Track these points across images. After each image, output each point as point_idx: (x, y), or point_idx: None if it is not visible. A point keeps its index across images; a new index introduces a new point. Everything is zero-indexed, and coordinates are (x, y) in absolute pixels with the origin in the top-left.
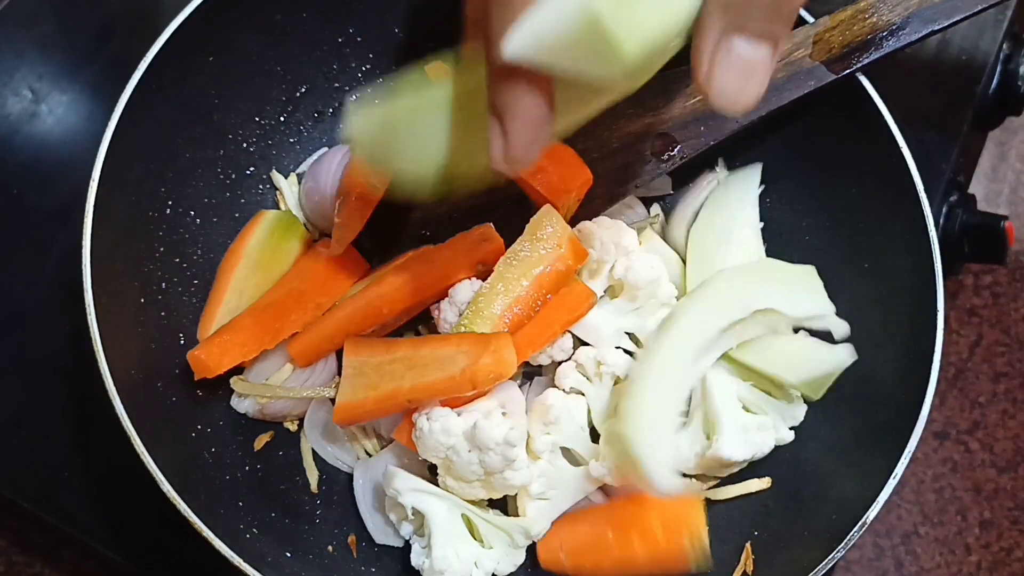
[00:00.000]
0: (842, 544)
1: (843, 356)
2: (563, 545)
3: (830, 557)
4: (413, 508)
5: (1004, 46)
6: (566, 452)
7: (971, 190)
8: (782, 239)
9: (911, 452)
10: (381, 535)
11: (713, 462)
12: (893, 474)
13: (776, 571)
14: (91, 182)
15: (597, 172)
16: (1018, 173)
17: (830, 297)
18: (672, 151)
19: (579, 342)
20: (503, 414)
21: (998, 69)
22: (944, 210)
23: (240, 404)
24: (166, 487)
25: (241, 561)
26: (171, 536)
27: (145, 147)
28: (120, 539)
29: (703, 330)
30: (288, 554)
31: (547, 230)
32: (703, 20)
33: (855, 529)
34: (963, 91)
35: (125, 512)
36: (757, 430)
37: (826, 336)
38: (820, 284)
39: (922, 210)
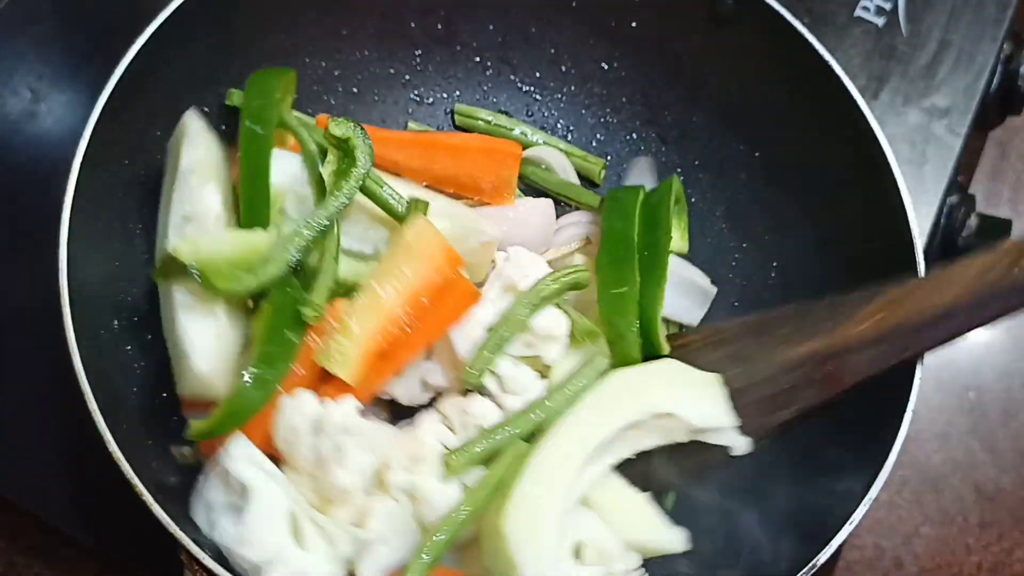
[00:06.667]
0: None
1: (673, 543)
2: None
3: None
4: (239, 482)
5: (1004, 46)
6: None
7: (971, 190)
8: (774, 246)
9: (891, 465)
10: None
11: None
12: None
13: None
14: (67, 189)
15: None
16: (1019, 173)
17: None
18: None
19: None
20: (363, 413)
21: (998, 69)
22: (944, 210)
23: None
24: (149, 500)
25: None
26: (170, 536)
27: (127, 146)
28: (119, 539)
29: (599, 430)
30: None
31: (421, 241)
32: None
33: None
34: (963, 91)
35: (125, 513)
36: None
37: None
38: (723, 394)
39: (906, 216)
